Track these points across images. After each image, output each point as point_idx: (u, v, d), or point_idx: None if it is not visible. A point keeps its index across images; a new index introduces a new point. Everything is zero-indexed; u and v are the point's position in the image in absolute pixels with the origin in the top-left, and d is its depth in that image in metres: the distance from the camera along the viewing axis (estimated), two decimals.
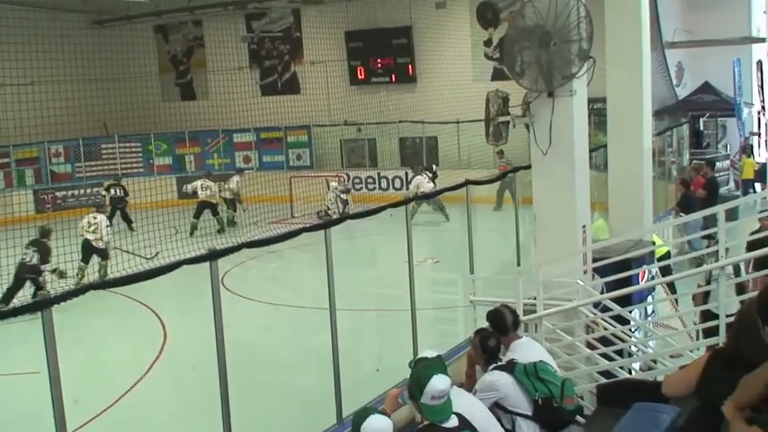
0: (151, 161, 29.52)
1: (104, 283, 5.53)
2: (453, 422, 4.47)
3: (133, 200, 24.09)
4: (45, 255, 13.50)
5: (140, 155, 29.67)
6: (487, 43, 24.95)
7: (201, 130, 29.37)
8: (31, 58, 23.61)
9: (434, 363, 4.61)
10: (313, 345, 10.29)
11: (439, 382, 4.41)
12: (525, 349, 5.97)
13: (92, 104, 26.11)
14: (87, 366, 10.16)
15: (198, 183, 22.97)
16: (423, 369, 4.52)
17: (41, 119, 22.96)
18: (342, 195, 22.76)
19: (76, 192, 28.32)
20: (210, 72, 30.29)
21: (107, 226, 16.54)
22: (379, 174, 26.67)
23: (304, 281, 15.59)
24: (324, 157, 28.38)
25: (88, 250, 15.74)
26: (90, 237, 15.89)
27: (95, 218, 16.42)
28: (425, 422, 4.49)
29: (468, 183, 9.73)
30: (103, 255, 15.88)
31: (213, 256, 5.91)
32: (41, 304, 4.89)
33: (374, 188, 26.44)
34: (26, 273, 13.12)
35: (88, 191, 28.18)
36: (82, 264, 15.36)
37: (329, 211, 21.97)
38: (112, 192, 24.72)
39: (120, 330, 13.02)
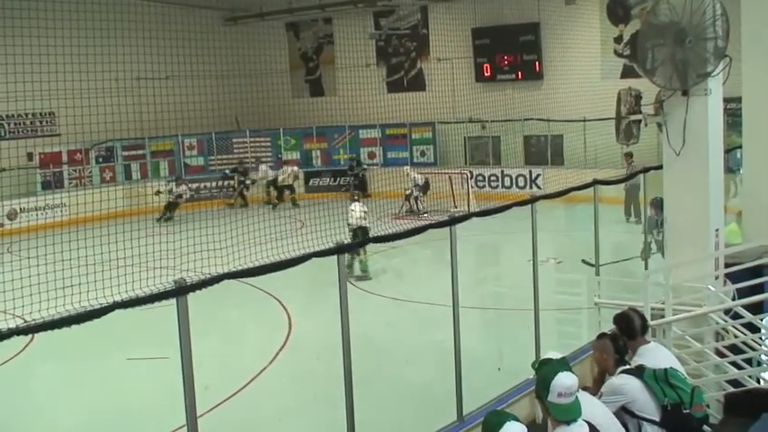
0: (280, 156, 30.24)
1: (236, 273, 5.70)
2: (584, 429, 4.39)
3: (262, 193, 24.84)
4: None
5: (270, 149, 30.44)
6: (617, 40, 24.31)
7: (329, 126, 29.87)
8: (167, 53, 24.61)
9: (559, 363, 4.54)
10: (434, 341, 10.34)
11: (565, 378, 4.33)
12: (653, 354, 5.84)
13: (224, 99, 27.06)
14: (216, 353, 10.53)
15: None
16: (548, 369, 4.45)
17: (176, 113, 23.88)
18: (415, 191, 23.12)
19: (208, 184, 29.35)
20: (339, 69, 30.77)
21: None
22: (502, 171, 26.44)
23: (426, 277, 15.65)
24: (447, 154, 28.37)
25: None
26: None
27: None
28: (553, 424, 4.41)
29: (596, 182, 9.53)
30: None
31: (341, 249, 6.02)
32: (176, 291, 5.10)
33: (497, 186, 26.23)
34: None
35: (219, 183, 29.17)
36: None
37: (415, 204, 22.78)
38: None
39: (247, 319, 13.42)
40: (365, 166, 28.00)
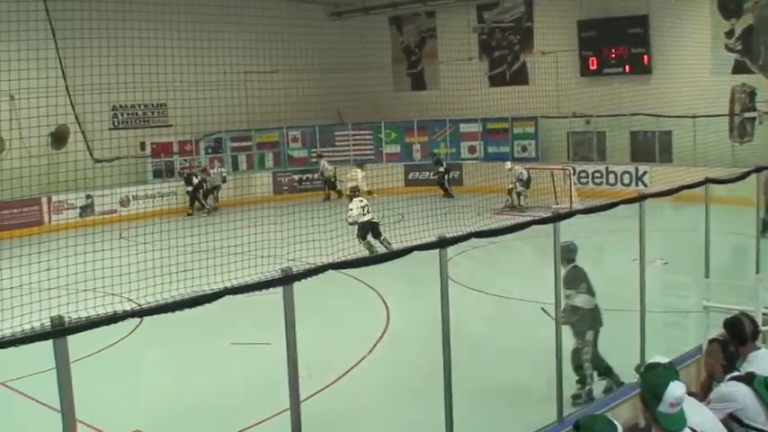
0: (381, 149, 30.45)
1: (340, 264, 5.79)
2: None
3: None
4: None
5: (371, 142, 30.67)
6: (729, 34, 23.43)
7: (429, 120, 29.91)
8: (273, 47, 25.08)
9: (667, 369, 4.43)
10: (533, 339, 10.24)
11: (677, 388, 4.24)
12: (764, 361, 5.64)
13: (328, 93, 27.41)
14: (316, 341, 10.70)
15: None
16: (658, 376, 4.34)
17: (282, 105, 24.35)
18: (518, 186, 22.87)
19: (311, 175, 29.81)
20: (441, 62, 30.75)
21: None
22: (607, 168, 25.91)
23: (527, 273, 15.51)
24: (550, 150, 27.99)
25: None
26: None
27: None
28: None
29: (708, 181, 9.24)
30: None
31: (443, 243, 6.03)
32: (283, 280, 5.22)
33: (601, 182, 25.74)
34: None
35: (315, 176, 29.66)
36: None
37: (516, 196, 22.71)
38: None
39: (347, 309, 13.58)
40: (445, 166, 27.74)
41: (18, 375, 10.13)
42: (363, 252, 14.00)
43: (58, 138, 24.71)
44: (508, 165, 24.09)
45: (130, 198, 24.81)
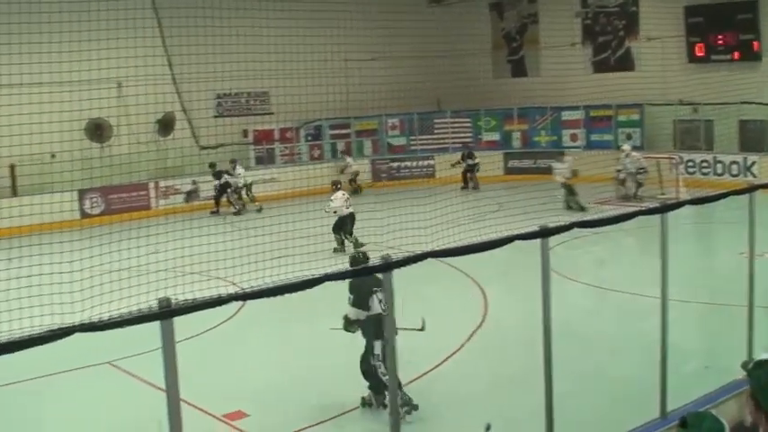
0: (480, 136, 30.23)
1: (439, 252, 5.77)
2: None
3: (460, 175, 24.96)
4: None
5: (470, 130, 30.47)
6: None
7: (530, 107, 29.50)
8: (373, 35, 25.20)
9: None
10: (636, 332, 10.01)
11: None
12: None
13: (427, 80, 27.37)
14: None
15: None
16: None
17: (381, 93, 24.44)
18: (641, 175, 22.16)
19: (409, 163, 29.86)
20: (542, 48, 30.27)
21: None
22: (714, 158, 25.01)
23: (631, 265, 15.15)
24: (655, 138, 27.21)
25: None
26: None
27: None
28: None
29: None
30: None
31: (545, 233, 5.94)
32: (384, 267, 5.24)
33: (708, 172, 24.86)
34: None
35: (420, 163, 29.61)
36: None
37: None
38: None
39: (445, 297, 13.52)
40: (477, 160, 27.20)
41: (124, 355, 10.49)
42: (461, 241, 13.84)
43: (165, 125, 25.49)
44: (626, 147, 23.39)
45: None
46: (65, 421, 9.12)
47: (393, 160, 30.08)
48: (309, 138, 29.60)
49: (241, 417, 8.89)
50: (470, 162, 27.10)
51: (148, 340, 4.90)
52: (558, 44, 28.51)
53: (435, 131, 30.47)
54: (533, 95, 28.31)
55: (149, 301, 4.61)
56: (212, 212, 24.17)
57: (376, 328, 8.43)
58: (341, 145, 30.02)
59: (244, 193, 24.91)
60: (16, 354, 4.08)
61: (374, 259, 5.22)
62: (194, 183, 25.58)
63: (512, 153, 29.68)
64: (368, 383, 8.91)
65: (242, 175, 24.75)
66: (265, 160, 28.49)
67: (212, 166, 24.38)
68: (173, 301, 4.42)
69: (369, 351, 8.79)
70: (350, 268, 6.01)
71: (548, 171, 27.67)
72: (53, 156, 19.25)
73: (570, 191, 21.36)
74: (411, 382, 8.94)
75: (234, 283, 12.25)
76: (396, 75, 24.69)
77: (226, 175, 24.41)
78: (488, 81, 30.91)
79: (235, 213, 23.97)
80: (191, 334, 9.90)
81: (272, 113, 28.27)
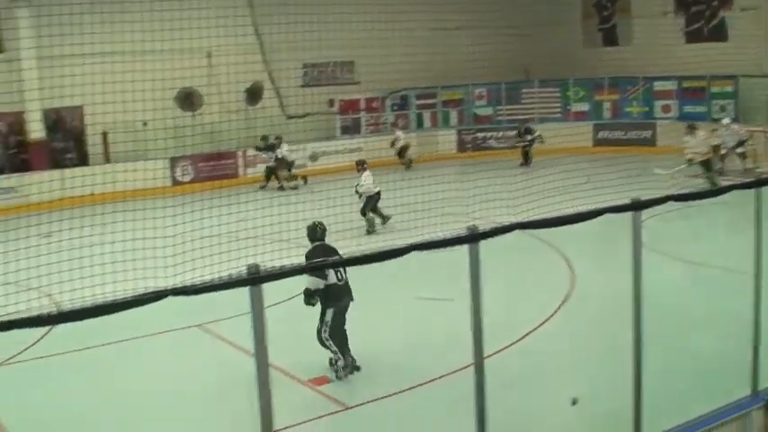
0: (569, 107, 29.68)
1: (528, 224, 5.69)
2: None
3: (548, 145, 24.56)
4: None
5: (558, 100, 29.94)
6: None
7: (621, 77, 28.77)
8: (458, 1, 24.92)
9: None
10: (728, 309, 9.73)
11: None
12: None
13: (514, 49, 26.95)
14: (500, 300, 10.62)
15: None
16: None
17: (467, 62, 24.21)
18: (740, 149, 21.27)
19: (496, 134, 29.57)
20: (634, 17, 29.44)
21: None
22: None
23: (724, 241, 14.71)
24: (750, 111, 26.18)
25: None
26: None
27: None
28: None
29: None
30: None
31: (637, 206, 5.79)
32: (470, 238, 5.18)
33: None
34: None
35: (506, 134, 29.27)
36: None
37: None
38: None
39: (531, 270, 13.39)
40: (536, 135, 26.02)
41: (213, 319, 10.74)
42: (549, 213, 13.64)
43: (253, 94, 25.83)
44: (726, 121, 22.62)
45: (319, 153, 25.56)
46: (156, 380, 9.41)
47: (479, 131, 29.83)
48: (395, 108, 29.58)
49: (326, 382, 9.01)
50: (529, 137, 26.11)
51: (235, 305, 4.98)
52: (651, 13, 27.69)
53: (522, 101, 30.06)
54: (625, 65, 27.59)
55: (239, 267, 4.69)
56: (261, 187, 23.46)
57: (328, 297, 8.89)
58: (427, 114, 29.92)
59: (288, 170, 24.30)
60: (111, 316, 4.22)
61: (461, 230, 5.15)
62: (280, 151, 25.87)
63: (601, 124, 29.05)
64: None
65: (287, 153, 24.20)
66: (351, 130, 28.63)
67: (265, 138, 23.78)
68: (261, 267, 4.47)
69: (320, 323, 9.08)
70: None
71: (639, 143, 27.13)
72: (145, 124, 19.78)
73: (707, 166, 19.73)
74: (492, 355, 8.83)
75: None
76: (483, 44, 24.38)
77: (279, 150, 23.95)
78: (578, 50, 30.27)
79: (279, 188, 23.49)
80: (276, 300, 10.06)
81: (358, 83, 28.33)
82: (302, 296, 8.95)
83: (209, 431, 7.97)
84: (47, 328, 9.53)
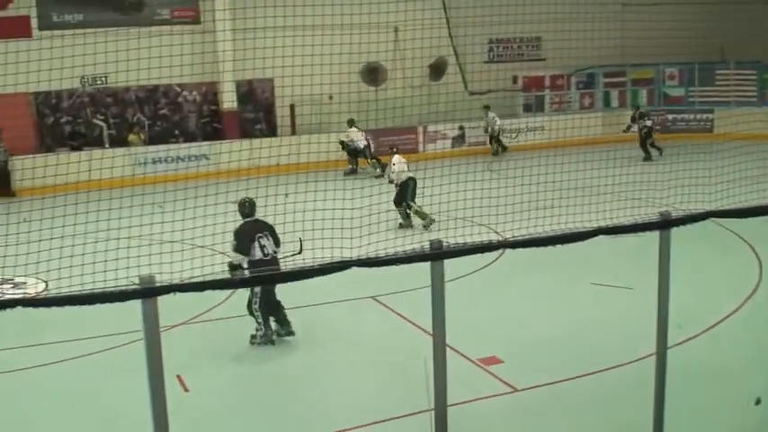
0: (765, 91, 27.89)
1: (721, 213, 5.40)
2: None
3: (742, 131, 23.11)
4: None
5: (754, 84, 28.18)
6: None
7: None
8: None
9: None
10: None
11: None
12: None
13: (710, 27, 25.52)
14: (685, 290, 10.12)
15: None
16: None
17: (659, 40, 23.19)
18: None
19: (686, 116, 28.26)
20: None
21: None
22: None
23: None
24: None
25: None
26: None
27: None
28: None
29: None
30: None
31: None
32: (661, 224, 4.96)
33: None
34: None
35: (698, 116, 27.88)
36: None
37: None
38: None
39: (717, 262, 12.68)
40: (650, 121, 23.60)
41: (387, 291, 10.91)
42: (743, 202, 12.87)
43: (437, 69, 25.95)
44: None
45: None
46: (331, 344, 9.73)
47: (669, 112, 28.60)
48: (581, 86, 28.87)
49: (495, 362, 8.94)
50: (646, 123, 23.76)
51: (409, 279, 5.03)
52: None
53: (716, 83, 28.50)
54: None
55: (422, 242, 4.75)
56: (348, 172, 22.65)
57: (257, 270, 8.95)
58: (614, 93, 29.01)
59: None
60: (297, 282, 4.40)
61: (651, 215, 4.97)
62: (461, 128, 25.91)
63: None
64: (273, 318, 9.57)
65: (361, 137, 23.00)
66: (533, 108, 28.21)
67: (351, 122, 22.72)
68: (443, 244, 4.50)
69: (251, 294, 9.40)
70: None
71: None
72: (330, 97, 20.29)
73: None
74: (678, 344, 8.45)
75: (496, 231, 12.32)
76: (676, 21, 23.24)
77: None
78: None
79: (350, 172, 22.67)
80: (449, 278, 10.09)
81: (544, 60, 27.81)
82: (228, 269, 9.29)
83: (385, 401, 8.07)
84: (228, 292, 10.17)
